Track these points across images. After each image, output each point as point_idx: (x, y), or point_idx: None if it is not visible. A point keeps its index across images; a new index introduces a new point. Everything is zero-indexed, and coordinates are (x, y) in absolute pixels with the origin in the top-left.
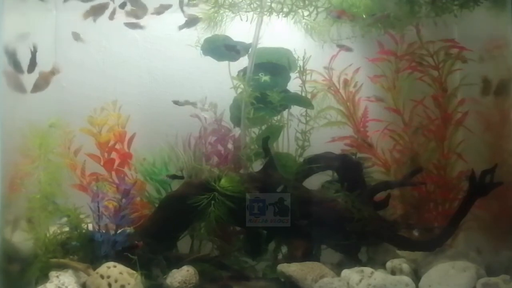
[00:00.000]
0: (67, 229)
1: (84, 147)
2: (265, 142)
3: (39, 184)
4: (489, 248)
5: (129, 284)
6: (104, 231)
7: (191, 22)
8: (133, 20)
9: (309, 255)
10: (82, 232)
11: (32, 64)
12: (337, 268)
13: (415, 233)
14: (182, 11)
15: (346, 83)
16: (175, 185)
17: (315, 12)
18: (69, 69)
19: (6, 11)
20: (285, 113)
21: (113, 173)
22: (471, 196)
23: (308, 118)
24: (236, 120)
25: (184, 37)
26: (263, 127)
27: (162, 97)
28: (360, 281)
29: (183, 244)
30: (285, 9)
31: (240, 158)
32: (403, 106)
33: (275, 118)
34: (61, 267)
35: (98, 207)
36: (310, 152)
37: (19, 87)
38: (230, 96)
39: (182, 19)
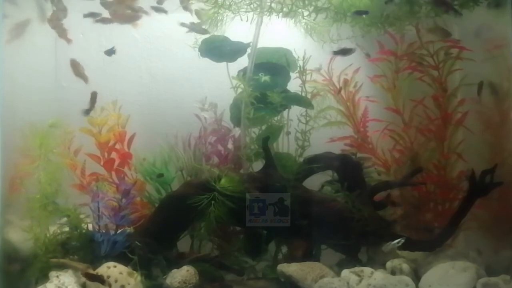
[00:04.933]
0: (67, 229)
1: (84, 147)
2: (265, 142)
3: (39, 184)
4: (489, 248)
5: (129, 284)
6: (104, 231)
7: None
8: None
9: (309, 255)
10: (82, 232)
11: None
12: (337, 268)
13: (389, 245)
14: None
15: (346, 83)
16: (175, 185)
17: (315, 12)
18: (69, 69)
19: (5, 11)
20: (285, 113)
21: (113, 173)
22: (471, 196)
23: (308, 118)
24: (236, 120)
25: (183, 37)
26: (263, 127)
27: (162, 97)
28: (360, 281)
29: (183, 244)
30: (285, 9)
31: (240, 158)
32: (403, 106)
33: (275, 118)
34: (61, 267)
35: (98, 207)
36: (310, 152)
37: None
38: (230, 96)
39: (182, 19)
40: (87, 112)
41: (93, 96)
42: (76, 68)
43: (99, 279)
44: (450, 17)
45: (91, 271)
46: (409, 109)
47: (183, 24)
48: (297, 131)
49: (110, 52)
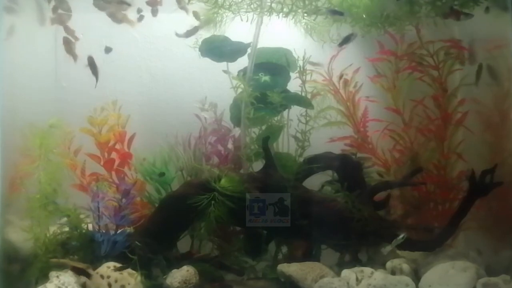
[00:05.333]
0: (67, 229)
1: (84, 147)
2: (265, 142)
3: (39, 184)
4: (489, 248)
5: (129, 284)
6: (104, 231)
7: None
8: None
9: (309, 255)
10: (82, 232)
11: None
12: (337, 268)
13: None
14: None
15: (346, 83)
16: (175, 185)
17: (314, 13)
18: (69, 69)
19: (6, 11)
20: (285, 113)
21: (113, 173)
22: (471, 196)
23: (308, 118)
24: (236, 120)
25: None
26: (263, 127)
27: (162, 97)
28: (360, 281)
29: (183, 244)
30: (285, 9)
31: (240, 158)
32: (403, 106)
33: (275, 118)
34: (61, 267)
35: (98, 207)
36: (310, 152)
37: None
38: (230, 96)
39: (182, 20)
40: (96, 83)
41: (91, 61)
42: (68, 45)
43: (85, 272)
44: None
45: (78, 265)
46: (409, 109)
47: (177, 35)
48: (297, 131)
49: (108, 50)
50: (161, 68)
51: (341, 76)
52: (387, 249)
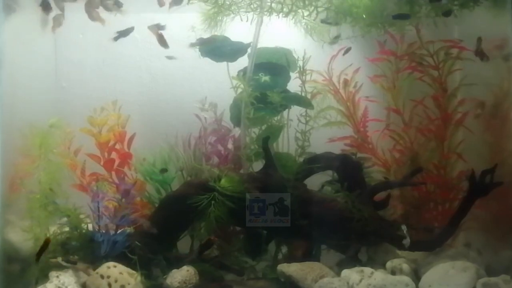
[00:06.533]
0: (67, 229)
1: (84, 147)
2: (265, 142)
3: (39, 184)
4: (489, 248)
5: (129, 284)
6: (104, 231)
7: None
8: None
9: (309, 255)
10: (82, 232)
11: None
12: (337, 268)
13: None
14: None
15: (346, 83)
16: (175, 185)
17: (315, 12)
18: (69, 69)
19: (5, 12)
20: (285, 113)
21: (113, 173)
22: (471, 196)
23: (308, 118)
24: (236, 120)
25: (184, 37)
26: (263, 127)
27: (162, 97)
28: (360, 281)
29: (183, 244)
30: (285, 9)
31: (240, 158)
32: (403, 106)
33: (275, 118)
34: (61, 267)
35: (98, 207)
36: (310, 152)
37: None
38: (230, 96)
39: (182, 20)
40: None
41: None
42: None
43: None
44: (450, 17)
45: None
46: (409, 109)
47: (192, 44)
48: (297, 131)
49: (129, 31)
50: (161, 68)
51: (348, 50)
52: (407, 242)
